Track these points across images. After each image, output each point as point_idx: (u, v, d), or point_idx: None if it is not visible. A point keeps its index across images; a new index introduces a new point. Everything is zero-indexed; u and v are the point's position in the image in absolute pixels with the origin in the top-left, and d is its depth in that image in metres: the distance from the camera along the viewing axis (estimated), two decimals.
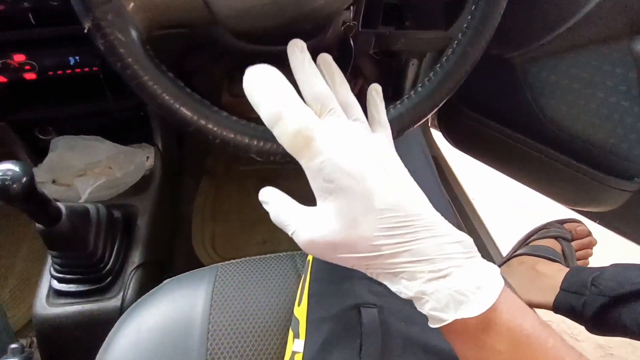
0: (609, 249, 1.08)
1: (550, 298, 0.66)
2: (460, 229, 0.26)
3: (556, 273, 0.69)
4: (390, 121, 0.35)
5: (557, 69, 0.72)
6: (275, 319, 0.44)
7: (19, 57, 0.55)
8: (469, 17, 0.37)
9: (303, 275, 0.43)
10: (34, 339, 0.64)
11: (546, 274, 0.71)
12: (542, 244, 0.79)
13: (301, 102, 0.27)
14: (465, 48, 0.37)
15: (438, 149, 1.15)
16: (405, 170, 0.28)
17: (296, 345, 0.36)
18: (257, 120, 0.31)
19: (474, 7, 0.37)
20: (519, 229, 1.09)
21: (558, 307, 0.65)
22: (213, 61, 0.90)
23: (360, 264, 0.25)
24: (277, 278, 0.49)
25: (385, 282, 0.25)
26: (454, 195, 1.05)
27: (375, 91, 0.34)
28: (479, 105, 0.90)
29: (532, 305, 0.69)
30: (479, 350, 0.23)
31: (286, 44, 0.32)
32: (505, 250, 0.93)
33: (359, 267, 0.25)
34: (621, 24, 0.61)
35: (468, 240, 0.25)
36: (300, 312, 0.39)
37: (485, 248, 0.91)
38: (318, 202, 0.27)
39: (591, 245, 0.78)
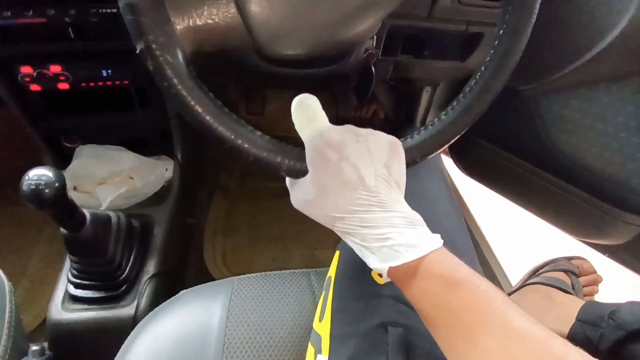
0: (618, 282, 1.08)
1: (565, 328, 0.66)
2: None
3: (572, 304, 0.70)
4: (415, 146, 0.37)
5: (569, 103, 0.74)
6: (291, 335, 0.45)
7: (55, 68, 0.58)
8: (492, 51, 0.39)
9: (324, 292, 0.44)
10: (44, 344, 0.65)
11: (562, 304, 0.72)
12: (553, 276, 0.79)
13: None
14: (488, 80, 0.39)
15: (448, 175, 1.16)
16: (398, 157, 0.33)
17: None
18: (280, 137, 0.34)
19: (497, 42, 0.39)
20: (527, 257, 1.09)
21: (574, 338, 0.65)
22: (234, 80, 0.93)
23: (326, 221, 0.32)
24: (293, 294, 0.49)
25: (344, 239, 0.32)
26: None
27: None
28: (491, 134, 0.92)
29: None
30: (417, 292, 0.28)
31: (312, 67, 0.35)
32: (513, 278, 0.93)
33: (326, 223, 0.32)
34: (632, 63, 0.63)
35: (415, 217, 0.30)
36: (323, 327, 0.39)
37: (494, 275, 0.91)
38: (308, 169, 0.32)
39: (597, 282, 0.80)
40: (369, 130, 0.33)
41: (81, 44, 0.56)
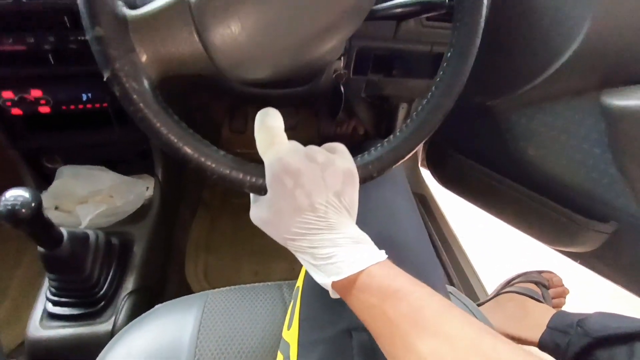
0: (594, 289, 1.10)
1: (536, 335, 0.70)
2: (443, 265, 0.31)
3: (544, 313, 0.73)
4: (371, 162, 0.39)
5: (535, 117, 0.77)
6: (262, 345, 0.46)
7: (36, 93, 0.60)
8: (441, 72, 0.42)
9: (292, 301, 0.46)
10: None
11: (534, 312, 0.75)
12: (526, 286, 0.83)
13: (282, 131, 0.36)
14: (439, 99, 0.42)
15: (427, 187, 1.19)
16: (349, 185, 0.35)
17: None
18: (254, 154, 0.36)
19: (445, 63, 0.42)
20: (504, 267, 1.12)
21: (543, 344, 0.68)
22: (215, 99, 0.96)
23: (279, 240, 0.34)
24: (265, 306, 0.51)
25: (296, 256, 0.34)
26: (440, 233, 1.08)
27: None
28: (464, 147, 0.95)
29: (519, 341, 0.72)
30: (359, 305, 0.31)
31: (282, 87, 0.37)
32: (489, 287, 0.95)
33: (279, 241, 0.34)
34: (590, 78, 0.67)
35: (362, 237, 0.33)
36: (291, 335, 0.41)
37: (470, 284, 0.93)
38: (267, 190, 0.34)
39: (564, 294, 0.86)
40: (329, 158, 0.35)
41: (61, 68, 0.58)
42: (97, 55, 0.32)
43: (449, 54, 0.42)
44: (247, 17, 0.35)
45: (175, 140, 0.35)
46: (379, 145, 0.42)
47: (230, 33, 0.36)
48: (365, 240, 0.33)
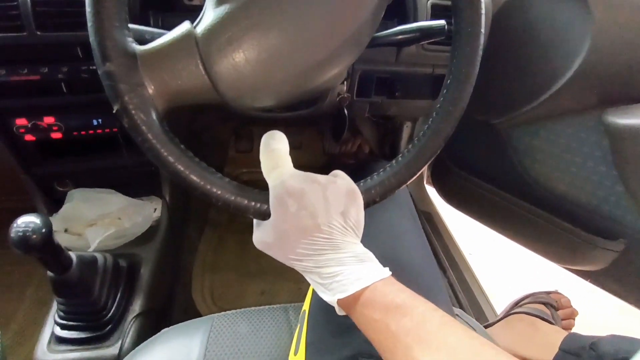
0: (603, 310, 1.08)
1: (547, 356, 0.69)
2: (451, 285, 0.31)
3: (555, 334, 0.72)
4: (374, 187, 0.40)
5: (538, 135, 0.78)
6: None
7: (49, 120, 0.62)
8: (441, 98, 0.43)
9: (299, 325, 0.46)
10: None
11: (545, 333, 0.74)
12: (535, 307, 0.82)
13: (287, 154, 0.37)
14: (439, 125, 0.42)
15: (433, 204, 1.19)
16: (356, 202, 0.36)
17: None
18: (260, 174, 0.37)
19: (445, 90, 0.43)
20: (513, 286, 1.10)
21: None
22: (221, 121, 0.98)
23: (285, 261, 0.35)
24: (270, 329, 0.51)
25: (304, 275, 0.35)
26: (447, 251, 1.07)
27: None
28: (469, 165, 0.96)
29: None
30: (363, 320, 0.31)
31: (286, 111, 0.38)
32: (498, 307, 0.93)
33: (286, 263, 0.35)
34: (590, 98, 0.68)
35: (367, 255, 0.34)
36: None
37: (478, 304, 0.92)
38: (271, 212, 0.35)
39: (573, 315, 0.85)
40: (330, 179, 0.36)
41: (73, 97, 0.60)
42: (107, 89, 0.34)
43: (448, 81, 0.42)
44: (251, 50, 0.37)
45: (182, 169, 0.36)
46: (381, 170, 0.43)
47: (234, 65, 0.37)
48: (370, 258, 0.34)
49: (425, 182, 1.19)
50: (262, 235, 0.36)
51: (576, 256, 0.80)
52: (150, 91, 0.35)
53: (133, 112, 0.34)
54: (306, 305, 0.47)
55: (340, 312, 0.33)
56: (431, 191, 1.19)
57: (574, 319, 0.84)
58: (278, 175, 0.35)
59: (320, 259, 0.33)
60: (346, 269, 0.32)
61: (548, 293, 0.88)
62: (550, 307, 0.83)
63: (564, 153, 0.75)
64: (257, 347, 0.48)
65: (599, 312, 1.11)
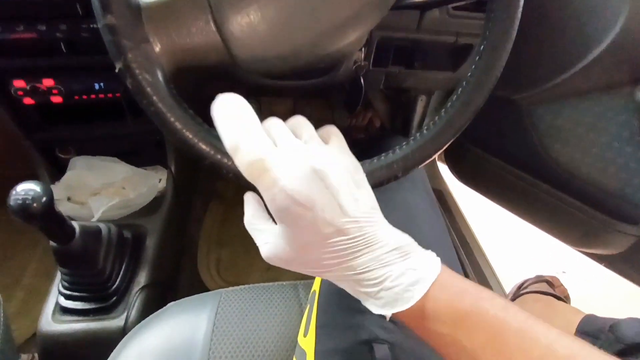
0: (614, 293, 1.07)
1: None
2: (461, 263, 0.28)
3: (573, 315, 0.71)
4: (396, 161, 0.37)
5: (562, 113, 0.74)
6: (277, 348, 0.45)
7: (48, 82, 0.59)
8: (473, 66, 0.40)
9: (309, 305, 0.44)
10: (36, 355, 0.65)
11: (563, 314, 0.74)
12: (541, 287, 0.82)
13: (259, 132, 0.28)
14: (469, 96, 0.39)
15: (444, 182, 1.16)
16: (360, 177, 0.30)
17: None
18: None
19: (478, 57, 0.39)
20: (524, 265, 1.09)
21: None
22: (228, 90, 0.94)
23: (313, 273, 0.29)
24: (280, 307, 0.49)
25: (339, 285, 0.29)
26: (458, 230, 1.05)
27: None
28: (485, 143, 0.92)
29: None
30: (426, 334, 0.27)
31: (298, 79, 0.34)
32: (508, 287, 0.92)
33: (313, 275, 0.30)
34: (623, 73, 0.63)
35: (405, 243, 0.28)
36: (307, 343, 0.39)
37: (488, 283, 0.91)
38: (277, 222, 0.29)
39: (566, 293, 0.85)
40: (325, 162, 0.28)
41: (73, 58, 0.57)
42: (109, 45, 0.31)
43: (482, 47, 0.39)
44: (267, 6, 0.33)
45: (190, 137, 0.33)
46: (404, 143, 0.40)
47: (248, 23, 0.34)
48: (411, 247, 0.29)
49: (437, 159, 1.16)
50: (277, 252, 0.29)
51: (593, 239, 0.78)
52: (157, 49, 0.32)
53: (137, 71, 0.31)
54: (316, 286, 0.45)
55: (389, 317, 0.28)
56: (443, 169, 1.15)
57: (569, 298, 0.83)
58: (269, 184, 0.27)
59: (356, 264, 0.27)
60: (392, 270, 0.27)
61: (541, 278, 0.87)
62: (552, 286, 0.83)
63: (588, 133, 0.72)
64: (266, 325, 0.47)
65: (603, 298, 1.10)
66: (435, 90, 0.95)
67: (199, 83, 0.61)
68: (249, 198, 0.34)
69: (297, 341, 0.43)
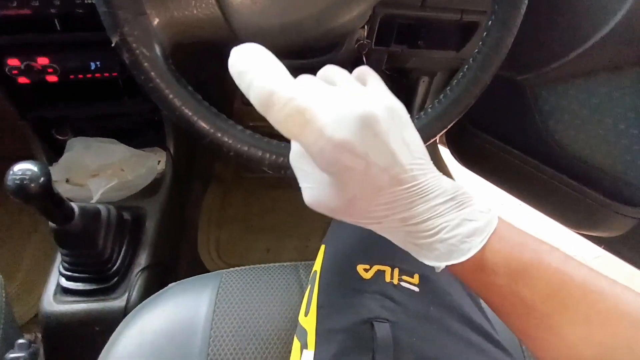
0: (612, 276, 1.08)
1: None
2: None
3: None
4: None
5: (567, 94, 0.73)
6: (277, 328, 0.45)
7: (43, 60, 0.57)
8: (481, 43, 0.38)
9: (309, 285, 0.44)
10: (39, 335, 0.65)
11: None
12: None
13: (290, 78, 0.24)
14: (476, 73, 0.38)
15: (446, 166, 1.15)
16: (405, 119, 0.27)
17: (305, 355, 0.37)
18: (268, 127, 0.31)
19: (485, 33, 0.38)
20: None
21: None
22: (227, 70, 0.92)
23: (358, 224, 0.27)
24: (281, 288, 0.49)
25: (385, 235, 0.28)
26: None
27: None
28: (488, 125, 0.91)
29: None
30: (480, 286, 0.26)
31: (297, 58, 0.33)
32: None
33: (359, 225, 0.28)
34: (630, 53, 0.62)
35: (460, 192, 0.27)
36: (308, 322, 0.39)
37: None
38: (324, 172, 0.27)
39: None
40: (371, 105, 0.25)
41: (68, 35, 0.56)
42: (104, 17, 0.29)
43: (490, 23, 0.37)
44: None
45: (190, 114, 0.33)
46: None
47: None
48: (466, 197, 0.27)
49: (438, 142, 1.15)
50: (321, 199, 0.27)
51: (593, 221, 0.78)
52: (154, 22, 0.31)
53: (134, 45, 0.30)
54: (317, 266, 0.45)
55: (439, 270, 0.27)
56: (444, 152, 1.15)
57: None
58: (315, 137, 0.24)
59: (407, 215, 0.26)
60: (448, 220, 0.25)
61: None
62: None
63: (593, 114, 0.71)
64: (267, 305, 0.47)
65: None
66: (438, 72, 0.94)
67: (199, 61, 0.60)
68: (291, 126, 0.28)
69: (298, 321, 0.43)
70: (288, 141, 0.31)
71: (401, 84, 1.05)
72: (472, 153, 0.98)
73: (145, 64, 0.31)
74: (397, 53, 0.70)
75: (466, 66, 0.38)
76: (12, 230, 0.90)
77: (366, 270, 0.40)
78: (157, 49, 0.31)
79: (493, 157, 0.90)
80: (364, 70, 0.30)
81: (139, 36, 0.30)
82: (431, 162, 0.28)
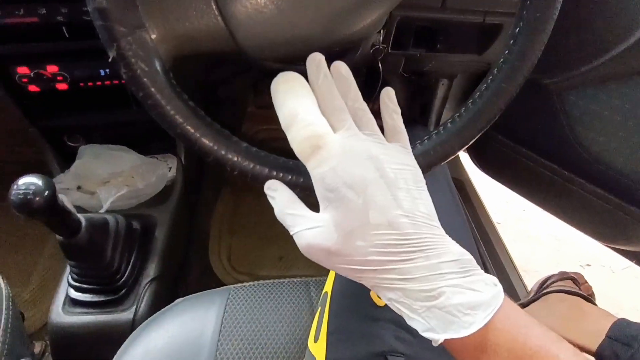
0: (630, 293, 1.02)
1: (593, 343, 0.63)
2: (481, 257, 0.25)
3: (603, 319, 0.66)
4: (416, 157, 0.34)
5: (598, 98, 0.68)
6: (286, 349, 0.43)
7: (52, 68, 0.57)
8: (507, 51, 0.35)
9: (320, 307, 0.42)
10: (48, 343, 0.65)
11: (591, 317, 0.69)
12: (566, 284, 0.76)
13: (318, 112, 0.28)
14: (500, 85, 0.35)
15: (464, 171, 1.11)
16: (419, 182, 0.28)
17: None
18: (278, 133, 0.30)
19: (512, 41, 0.35)
20: (545, 258, 1.04)
21: (601, 355, 0.62)
22: (239, 74, 0.90)
23: (353, 274, 0.26)
24: (290, 306, 0.47)
25: (378, 294, 0.26)
26: (478, 222, 1.01)
27: (388, 97, 0.32)
28: (511, 131, 0.87)
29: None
30: None
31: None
32: (528, 281, 0.89)
33: (352, 277, 0.26)
34: None
35: (467, 257, 0.25)
36: (318, 349, 0.37)
37: (509, 279, 0.87)
38: (320, 208, 0.27)
39: (590, 291, 0.80)
40: (384, 153, 0.27)
41: (76, 43, 0.55)
42: (100, 30, 0.28)
43: (517, 29, 0.34)
44: None
45: (192, 131, 0.31)
46: (425, 138, 0.36)
47: (254, 4, 0.30)
48: (473, 263, 0.25)
49: None
50: (317, 239, 0.26)
51: (624, 235, 0.74)
52: (153, 35, 0.29)
53: (132, 60, 0.28)
54: (328, 287, 0.42)
55: (436, 344, 0.25)
56: (463, 157, 1.11)
57: (594, 296, 0.78)
58: (321, 161, 0.26)
59: (406, 268, 0.24)
60: (448, 285, 0.23)
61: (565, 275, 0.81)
62: (578, 283, 0.78)
63: (626, 120, 0.66)
64: (275, 326, 0.45)
65: (630, 294, 1.05)
66: (459, 74, 0.90)
67: (203, 69, 0.58)
68: (276, 185, 0.30)
69: (307, 344, 0.41)
70: (295, 159, 0.30)
71: (419, 86, 1.01)
72: (493, 159, 0.94)
73: (144, 80, 0.29)
74: (415, 57, 0.67)
75: (490, 77, 0.35)
76: (26, 239, 0.90)
77: (379, 297, 0.37)
78: (157, 64, 0.29)
79: (516, 164, 0.85)
80: (396, 129, 0.31)
81: (136, 51, 0.28)
82: (439, 224, 0.27)
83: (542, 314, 0.72)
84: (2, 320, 0.45)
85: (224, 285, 0.50)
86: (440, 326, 0.23)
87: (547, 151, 0.79)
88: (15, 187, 0.42)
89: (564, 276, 0.79)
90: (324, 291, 0.43)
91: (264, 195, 0.32)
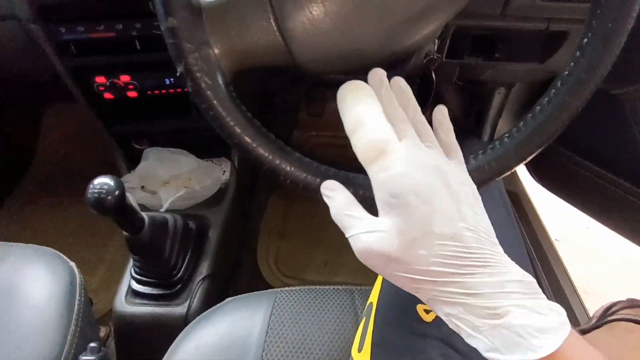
0: None
1: None
2: (537, 276, 0.24)
3: None
4: (470, 172, 0.33)
5: None
6: (329, 356, 0.44)
7: (125, 78, 0.62)
8: (572, 63, 0.33)
9: (365, 317, 0.42)
10: (112, 329, 0.71)
11: None
12: (635, 313, 0.69)
13: (384, 119, 0.28)
14: (564, 98, 0.33)
15: (520, 183, 1.06)
16: (478, 199, 0.28)
17: None
18: (332, 138, 0.31)
19: (579, 52, 0.33)
20: (611, 280, 0.96)
21: None
22: (293, 83, 0.93)
23: (410, 285, 0.25)
24: (334, 313, 0.48)
25: (434, 309, 0.25)
26: (534, 237, 0.95)
27: (441, 114, 0.32)
28: (576, 143, 0.81)
29: None
30: None
31: (365, 74, 0.32)
32: (589, 304, 0.82)
33: (409, 288, 0.25)
34: None
35: (529, 279, 0.24)
36: (362, 359, 0.37)
37: (568, 301, 0.81)
38: (380, 213, 0.26)
39: None
40: (450, 166, 0.27)
41: (146, 55, 0.59)
42: (170, 48, 0.31)
43: (585, 40, 0.32)
44: (332, 1, 0.31)
45: (249, 141, 0.33)
46: (480, 152, 0.35)
47: (311, 20, 0.31)
48: (536, 289, 0.24)
49: None
50: (376, 245, 0.25)
51: None
52: (217, 51, 0.31)
53: (198, 75, 0.31)
54: (373, 297, 0.42)
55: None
56: (520, 169, 1.05)
57: None
58: (387, 166, 0.26)
59: (470, 282, 0.23)
60: (515, 305, 0.22)
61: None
62: None
63: None
64: (320, 331, 0.46)
65: None
66: (517, 83, 0.86)
67: (260, 80, 0.61)
68: (334, 185, 0.30)
69: (350, 353, 0.41)
70: (346, 169, 0.31)
71: (474, 95, 0.98)
72: (555, 173, 0.88)
73: (207, 93, 0.31)
74: (471, 65, 0.65)
75: (553, 90, 0.33)
76: (97, 232, 0.99)
77: (427, 312, 0.37)
78: (219, 78, 0.31)
79: (579, 179, 0.80)
80: (451, 145, 0.31)
81: (202, 66, 0.30)
82: (498, 242, 0.26)
83: (606, 343, 0.66)
84: (76, 306, 0.50)
85: (271, 287, 0.52)
86: (505, 347, 0.22)
87: (615, 165, 0.73)
88: (91, 186, 0.47)
89: (633, 303, 0.72)
90: (369, 301, 0.43)
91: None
